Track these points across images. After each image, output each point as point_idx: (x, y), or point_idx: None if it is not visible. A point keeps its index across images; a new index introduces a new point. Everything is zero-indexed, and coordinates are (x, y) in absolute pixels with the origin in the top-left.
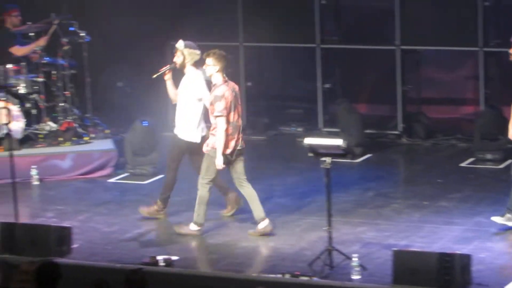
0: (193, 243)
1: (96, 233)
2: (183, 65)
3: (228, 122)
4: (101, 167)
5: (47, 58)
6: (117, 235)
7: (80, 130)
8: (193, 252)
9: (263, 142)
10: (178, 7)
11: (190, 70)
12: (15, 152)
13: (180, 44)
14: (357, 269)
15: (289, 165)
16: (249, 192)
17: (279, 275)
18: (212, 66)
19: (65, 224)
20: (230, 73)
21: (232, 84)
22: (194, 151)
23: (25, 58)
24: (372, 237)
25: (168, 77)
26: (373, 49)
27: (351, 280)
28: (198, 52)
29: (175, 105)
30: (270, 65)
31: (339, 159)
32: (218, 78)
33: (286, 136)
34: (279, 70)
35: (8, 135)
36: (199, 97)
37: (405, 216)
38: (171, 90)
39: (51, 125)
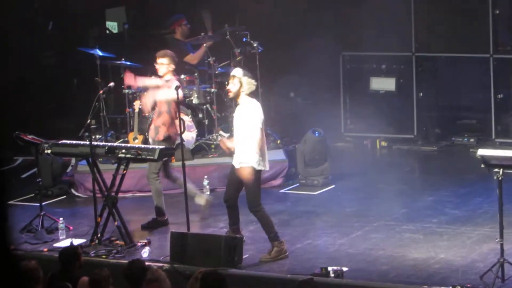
0: (363, 254)
1: (267, 243)
2: (237, 94)
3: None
4: (272, 177)
5: (220, 69)
6: (288, 245)
7: None
8: (363, 263)
9: (435, 153)
10: (350, 19)
11: (244, 100)
12: (188, 162)
13: (238, 71)
14: None
15: (461, 176)
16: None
17: None
18: (166, 65)
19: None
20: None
21: None
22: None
23: (198, 68)
24: None
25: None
26: None
27: None
28: (255, 82)
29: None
30: (442, 75)
31: None
32: (171, 76)
33: (458, 146)
34: (451, 80)
35: (181, 145)
36: (259, 126)
37: None
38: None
39: (222, 135)
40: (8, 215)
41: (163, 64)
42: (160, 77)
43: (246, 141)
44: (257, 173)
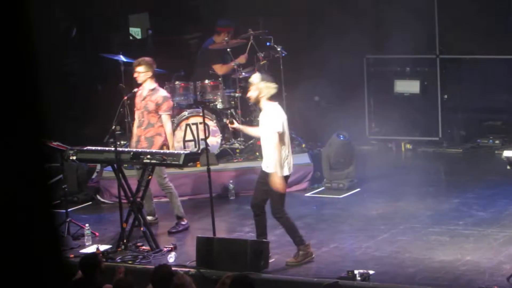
0: (389, 257)
1: (293, 247)
2: (257, 100)
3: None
4: (297, 181)
5: (244, 73)
6: (314, 249)
7: None
8: (390, 266)
9: (460, 155)
10: (373, 22)
11: (265, 105)
12: (213, 167)
13: (255, 78)
14: None
15: (487, 178)
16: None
17: None
18: (144, 73)
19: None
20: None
21: None
22: None
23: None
24: None
25: (235, 125)
26: None
27: None
28: (274, 85)
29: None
30: (466, 77)
31: None
32: (152, 83)
33: (483, 148)
34: (476, 82)
35: (206, 150)
36: (277, 131)
37: None
38: (250, 132)
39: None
40: (56, 220)
41: (140, 72)
42: (139, 85)
43: (269, 146)
44: (282, 178)
